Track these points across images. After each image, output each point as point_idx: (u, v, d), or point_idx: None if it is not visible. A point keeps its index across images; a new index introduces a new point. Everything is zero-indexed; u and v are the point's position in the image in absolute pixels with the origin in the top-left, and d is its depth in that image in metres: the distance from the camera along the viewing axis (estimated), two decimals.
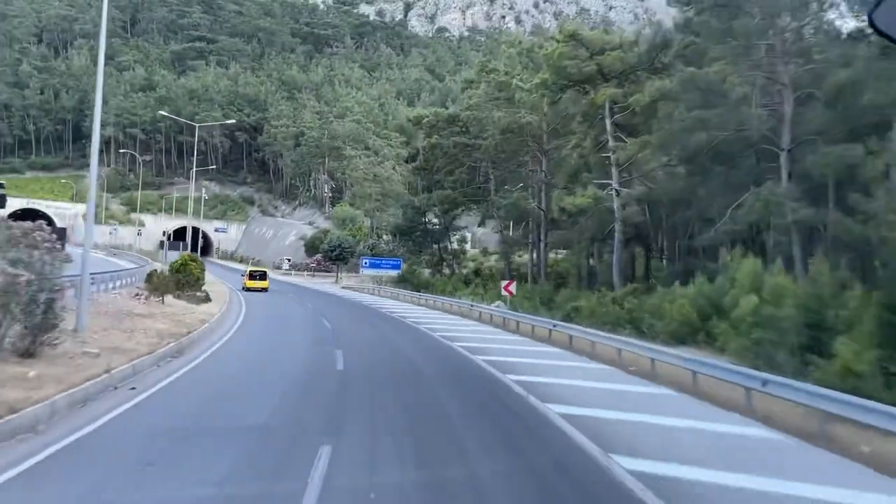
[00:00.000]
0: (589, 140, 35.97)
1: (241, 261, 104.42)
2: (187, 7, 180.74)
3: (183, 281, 27.54)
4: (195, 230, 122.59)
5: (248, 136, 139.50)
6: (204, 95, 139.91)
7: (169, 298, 25.93)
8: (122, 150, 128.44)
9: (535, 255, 47.34)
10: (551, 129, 42.53)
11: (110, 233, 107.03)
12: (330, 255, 66.18)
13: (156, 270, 28.61)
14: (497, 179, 48.75)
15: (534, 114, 40.97)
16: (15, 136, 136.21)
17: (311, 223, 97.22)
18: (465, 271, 59.74)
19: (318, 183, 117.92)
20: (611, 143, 33.94)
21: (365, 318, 29.71)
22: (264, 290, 47.78)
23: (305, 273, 77.69)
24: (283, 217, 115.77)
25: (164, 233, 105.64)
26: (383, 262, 52.90)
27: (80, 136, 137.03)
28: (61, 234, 69.60)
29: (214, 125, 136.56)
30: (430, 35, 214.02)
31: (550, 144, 43.08)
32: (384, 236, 71.64)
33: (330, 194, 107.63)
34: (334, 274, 71.13)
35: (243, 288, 48.72)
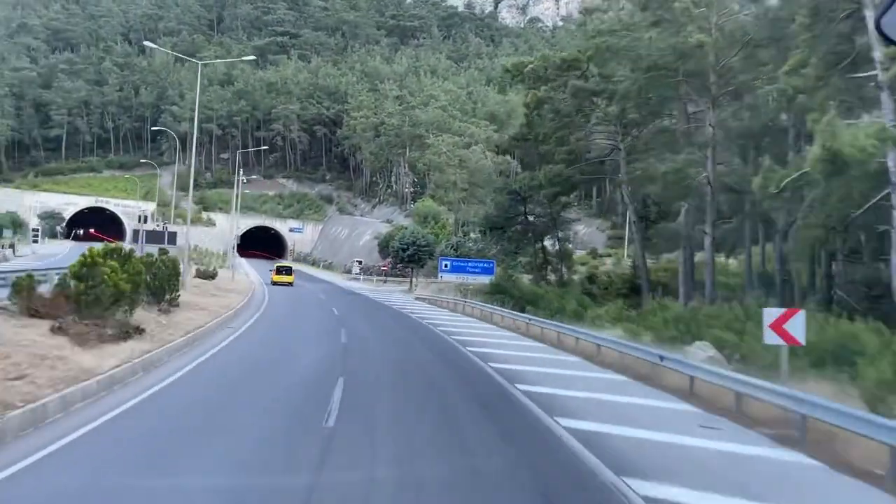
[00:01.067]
0: (817, 57, 20.41)
1: (314, 264, 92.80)
2: (272, 4, 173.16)
3: (89, 300, 14.08)
4: (266, 230, 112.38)
5: (328, 130, 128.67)
6: (283, 88, 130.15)
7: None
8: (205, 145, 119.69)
9: (686, 255, 31.99)
10: (722, 67, 27.16)
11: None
12: (402, 255, 52.51)
13: (30, 280, 15.01)
14: (627, 148, 33.62)
15: (703, 34, 25.66)
16: (94, 133, 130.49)
17: (389, 221, 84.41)
18: (575, 277, 44.57)
19: (398, 177, 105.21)
20: (879, 55, 18.34)
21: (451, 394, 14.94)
22: (290, 284, 50.56)
23: (375, 278, 64.59)
24: (361, 216, 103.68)
25: (234, 234, 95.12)
26: (470, 264, 38.50)
27: (158, 132, 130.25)
28: (172, 237, 56.33)
29: (291, 118, 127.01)
30: (522, 26, 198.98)
31: (722, 85, 27.60)
32: (471, 234, 57.38)
33: (411, 189, 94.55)
34: (409, 279, 57.55)
35: (271, 282, 51.34)
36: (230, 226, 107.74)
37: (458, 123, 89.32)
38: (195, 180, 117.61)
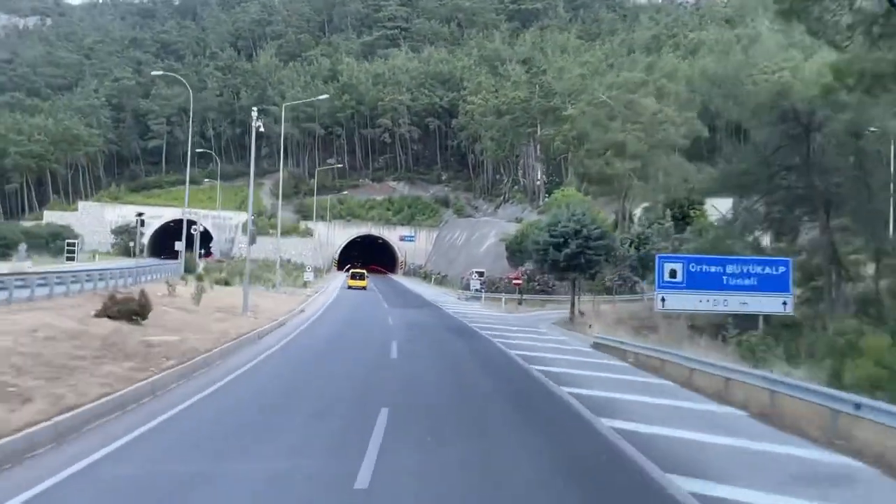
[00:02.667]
0: None
1: (427, 277, 73.02)
2: (384, 0, 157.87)
3: None
4: (373, 240, 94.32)
5: (441, 123, 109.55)
6: (391, 79, 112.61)
7: None
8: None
9: None
10: None
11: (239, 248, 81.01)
12: (551, 258, 29.55)
13: None
14: None
15: None
16: (195, 142, 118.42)
17: (518, 219, 63.48)
18: None
19: (526, 168, 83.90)
20: None
21: None
22: (363, 288, 54.83)
23: (505, 298, 43.05)
24: (483, 217, 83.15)
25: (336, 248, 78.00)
26: (738, 267, 16.45)
27: (259, 138, 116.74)
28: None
29: (401, 110, 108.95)
30: (658, 3, 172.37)
31: None
32: (654, 225, 35.04)
33: (543, 179, 73.08)
34: (564, 298, 35.60)
35: (347, 287, 55.77)
36: (333, 236, 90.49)
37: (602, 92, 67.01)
38: (296, 187, 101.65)
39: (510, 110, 79.42)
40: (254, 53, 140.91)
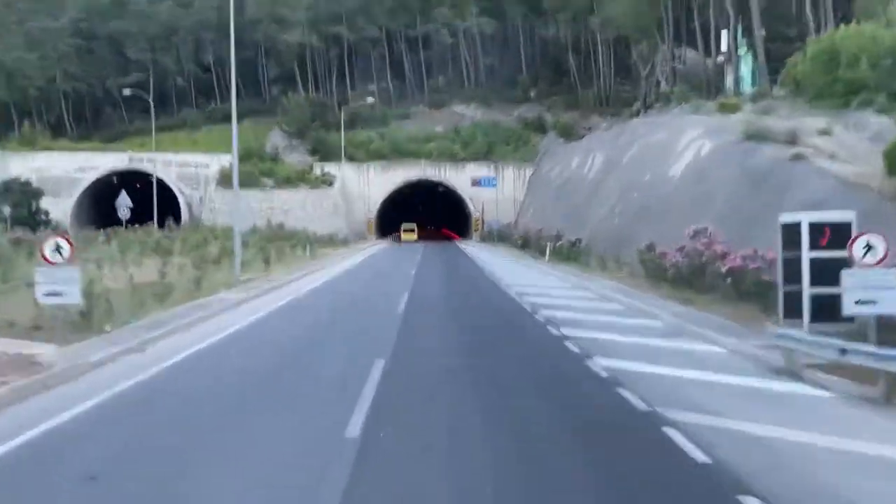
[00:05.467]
0: None
1: (525, 245, 37.71)
2: None
3: None
4: (431, 188, 58.38)
5: (526, 9, 72.97)
6: None
7: None
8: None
9: None
10: None
11: (210, 210, 48.31)
12: None
13: None
14: None
15: None
16: (189, 74, 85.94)
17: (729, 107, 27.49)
18: None
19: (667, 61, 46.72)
20: None
21: None
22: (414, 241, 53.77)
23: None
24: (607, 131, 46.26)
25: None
26: None
27: (269, 65, 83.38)
28: None
29: None
30: None
31: None
32: None
33: (733, 48, 36.36)
34: None
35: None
36: (363, 183, 56.04)
37: None
38: (319, 119, 67.46)
39: None
40: None
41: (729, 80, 42.81)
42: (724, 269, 13.59)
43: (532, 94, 73.12)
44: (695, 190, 20.77)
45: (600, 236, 26.80)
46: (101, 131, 79.94)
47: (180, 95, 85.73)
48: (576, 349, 9.80)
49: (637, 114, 48.62)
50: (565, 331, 11.32)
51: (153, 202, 48.14)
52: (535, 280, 21.01)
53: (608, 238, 25.79)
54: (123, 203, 36.87)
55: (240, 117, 72.72)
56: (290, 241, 34.18)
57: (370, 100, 68.54)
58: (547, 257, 28.17)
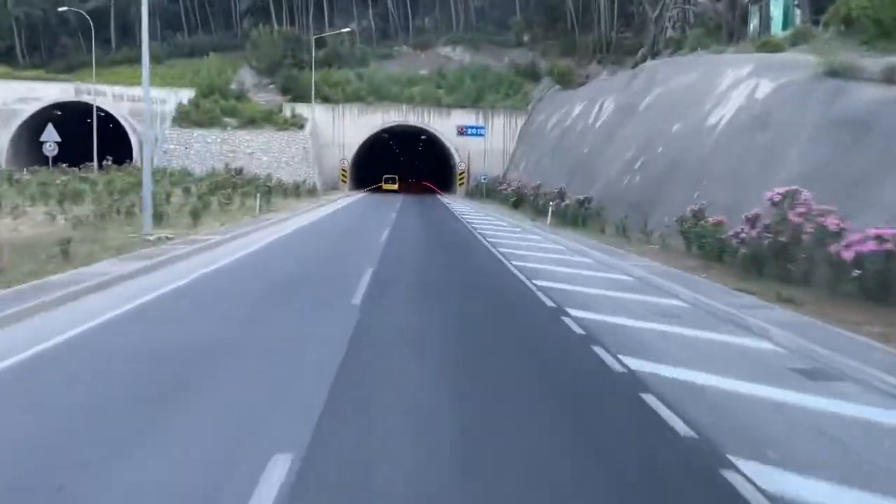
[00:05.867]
0: None
1: (519, 202, 32.92)
2: None
3: None
4: (414, 134, 52.84)
5: None
6: None
7: None
8: None
9: None
10: None
11: (164, 151, 42.45)
12: None
13: None
14: None
15: None
16: (153, 9, 78.17)
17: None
18: None
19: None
20: None
21: None
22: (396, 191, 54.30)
23: None
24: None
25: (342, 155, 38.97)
26: None
27: None
28: None
29: None
30: None
31: None
32: None
33: None
34: None
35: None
36: (338, 127, 50.50)
37: None
38: (290, 56, 61.29)
39: None
40: None
41: (754, 23, 37.74)
42: (846, 256, 8.95)
43: (525, 38, 67.31)
44: (750, 142, 16.07)
45: (614, 196, 22.11)
46: (56, 62, 72.88)
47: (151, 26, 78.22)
48: (679, 424, 5.19)
49: (643, 60, 43.52)
50: (638, 366, 6.63)
51: (98, 139, 42.50)
52: (546, 254, 16.36)
53: (625, 199, 21.14)
54: (50, 137, 31.40)
55: (207, 51, 66.62)
56: (244, 189, 29.05)
57: (346, 30, 62.45)
58: (549, 220, 23.41)
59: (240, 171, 37.56)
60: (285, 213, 24.50)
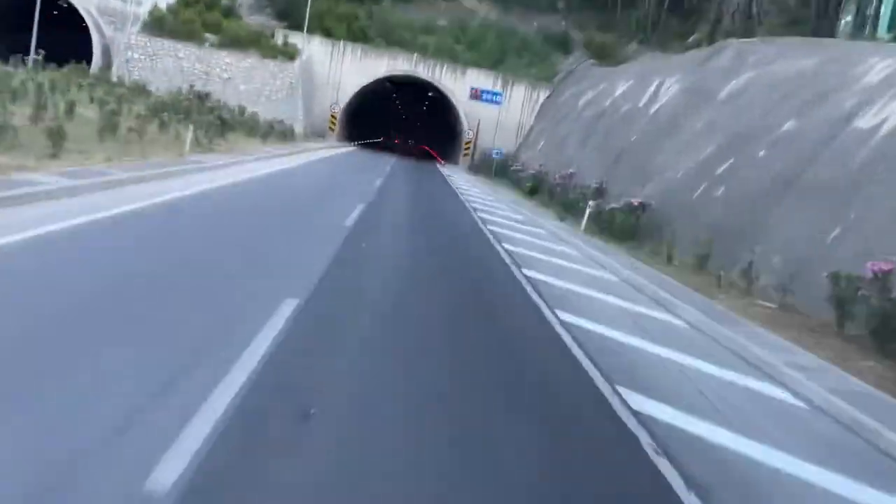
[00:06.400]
0: None
1: (535, 189, 26.41)
2: None
3: None
4: (421, 88, 45.80)
5: None
6: None
7: None
8: None
9: None
10: None
11: (126, 59, 35.45)
12: None
13: None
14: None
15: None
16: None
17: None
18: None
19: None
20: None
21: None
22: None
23: None
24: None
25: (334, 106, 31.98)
26: None
27: None
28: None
29: None
30: None
31: None
32: None
33: None
34: None
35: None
36: (335, 67, 43.29)
37: None
38: None
39: None
40: None
41: (845, 20, 31.35)
42: None
43: (560, 4, 60.06)
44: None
45: (682, 207, 15.80)
46: None
47: None
48: None
49: (697, 46, 36.88)
50: None
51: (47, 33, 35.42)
52: (600, 293, 10.02)
53: (701, 215, 14.84)
54: None
55: None
56: (200, 118, 22.28)
57: None
58: (583, 226, 17.05)
59: (206, 96, 30.63)
60: (228, 156, 17.88)
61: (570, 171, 21.91)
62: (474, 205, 20.53)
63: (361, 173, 25.21)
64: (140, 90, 31.37)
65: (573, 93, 38.25)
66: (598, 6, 59.58)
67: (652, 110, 23.48)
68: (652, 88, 24.77)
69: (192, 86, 32.49)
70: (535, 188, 25.55)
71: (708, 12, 44.61)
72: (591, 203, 17.27)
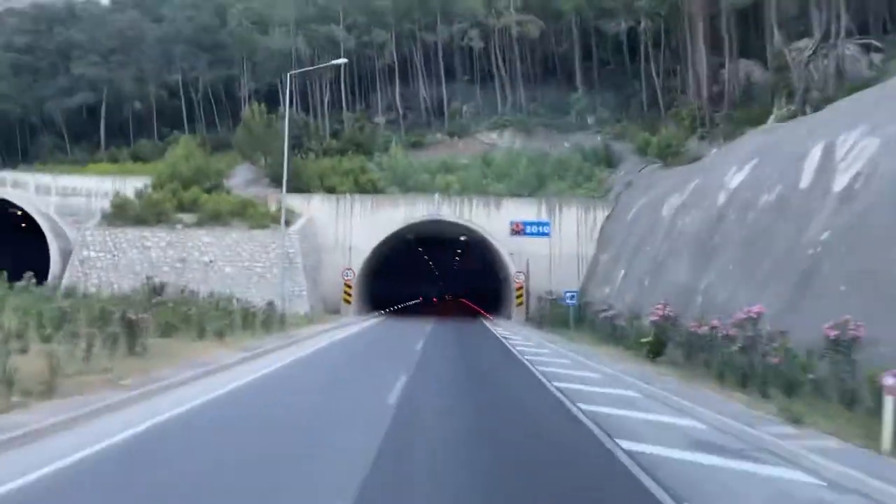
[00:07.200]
0: None
1: (659, 344, 16.00)
2: None
3: None
4: (452, 232, 37.27)
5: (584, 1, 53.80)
6: None
7: None
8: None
9: None
10: None
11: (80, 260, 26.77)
12: None
13: None
14: None
15: None
16: (160, 98, 66.85)
17: None
18: None
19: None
20: None
21: None
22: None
23: None
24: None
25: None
26: None
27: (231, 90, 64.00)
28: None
29: None
30: None
31: None
32: None
33: None
34: None
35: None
36: (344, 226, 34.95)
37: None
38: (298, 141, 47.72)
39: None
40: None
41: None
42: None
43: (589, 120, 53.04)
44: None
45: None
46: (32, 162, 60.86)
47: (142, 119, 66.80)
48: None
49: (792, 117, 28.07)
50: None
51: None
52: None
53: None
54: None
55: (219, 147, 53.38)
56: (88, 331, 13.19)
57: (379, 120, 49.40)
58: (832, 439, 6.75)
59: (161, 289, 22.05)
60: (149, 385, 8.65)
61: (754, 309, 11.47)
62: (571, 395, 10.46)
63: (366, 369, 15.35)
64: (84, 296, 22.92)
65: (646, 204, 29.13)
66: (636, 107, 52.51)
67: (837, 186, 13.80)
68: (818, 155, 15.26)
69: (149, 278, 24.05)
70: (659, 344, 15.54)
71: (781, 89, 36.31)
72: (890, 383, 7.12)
